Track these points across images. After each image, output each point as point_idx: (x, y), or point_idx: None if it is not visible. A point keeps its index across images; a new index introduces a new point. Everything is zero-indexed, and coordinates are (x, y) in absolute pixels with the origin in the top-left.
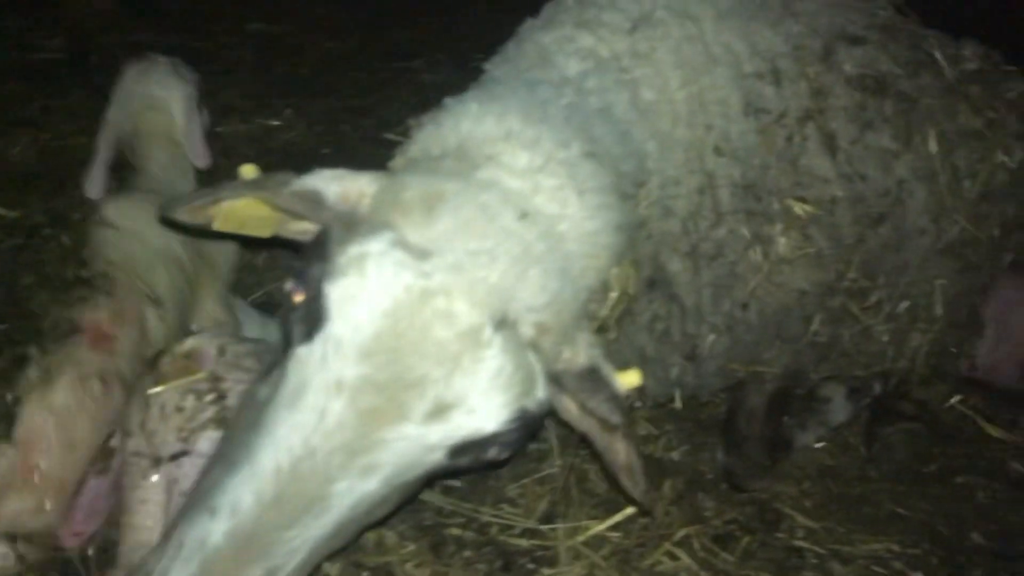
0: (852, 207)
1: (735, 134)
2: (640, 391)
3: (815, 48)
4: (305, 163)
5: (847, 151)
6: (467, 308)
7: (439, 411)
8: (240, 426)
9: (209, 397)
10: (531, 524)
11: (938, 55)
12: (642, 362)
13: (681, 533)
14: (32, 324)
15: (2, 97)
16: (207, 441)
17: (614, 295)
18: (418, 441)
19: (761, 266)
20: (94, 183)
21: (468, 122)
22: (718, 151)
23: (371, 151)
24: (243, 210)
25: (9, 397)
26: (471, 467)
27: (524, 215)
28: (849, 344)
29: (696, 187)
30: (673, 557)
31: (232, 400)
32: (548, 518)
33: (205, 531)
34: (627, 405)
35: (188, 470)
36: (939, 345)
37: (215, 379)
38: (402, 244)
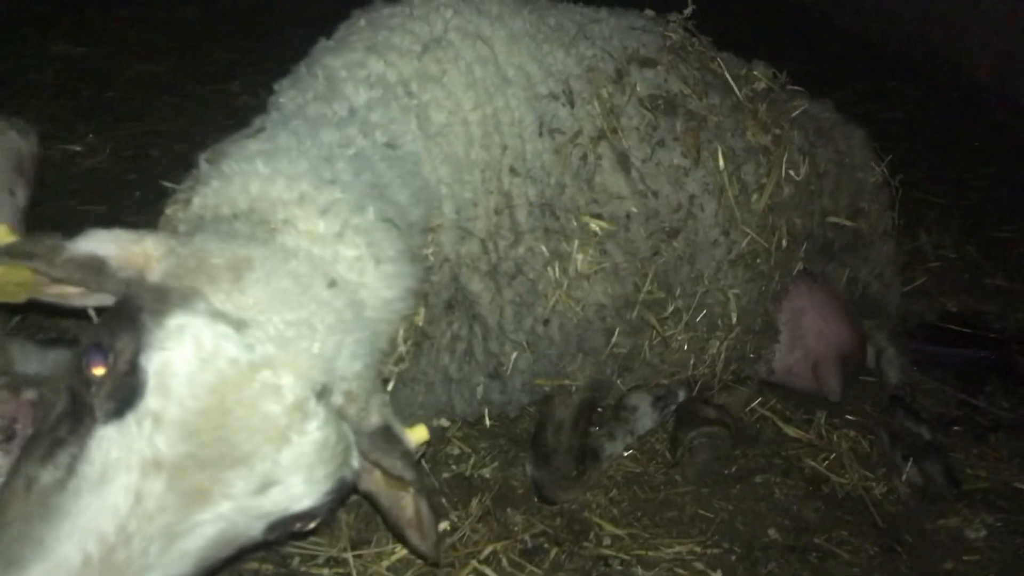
0: (646, 222)
1: (530, 154)
2: (449, 411)
3: (608, 70)
4: (110, 190)
5: (640, 169)
6: (293, 381)
7: (263, 487)
8: (15, 514)
9: None
10: (334, 552)
11: (727, 76)
12: (446, 383)
13: (488, 549)
14: None
15: None
16: None
17: (401, 350)
18: (238, 520)
19: (560, 282)
20: None
21: (258, 183)
22: (514, 171)
23: (181, 177)
24: (4, 277)
25: None
26: (276, 540)
27: (332, 283)
28: (651, 354)
29: (494, 207)
30: (480, 575)
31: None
32: (352, 545)
33: None
34: (416, 460)
35: None
36: (737, 351)
37: (11, 420)
38: (220, 315)
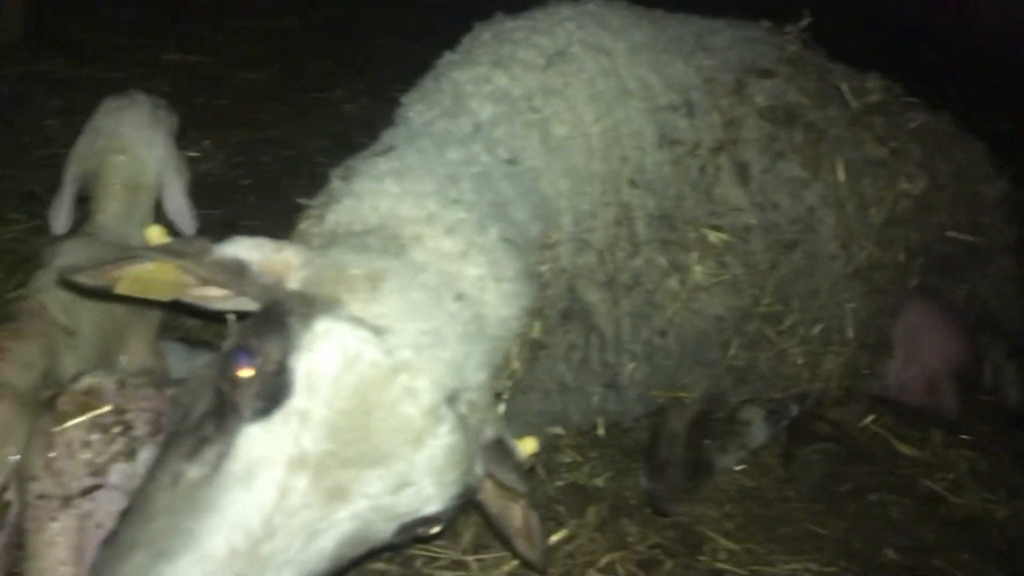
0: (765, 234)
1: (650, 165)
2: (564, 420)
3: (727, 81)
4: (225, 194)
5: (759, 180)
6: (428, 385)
7: (398, 488)
8: (161, 507)
9: (116, 429)
10: (456, 555)
11: (844, 87)
12: (563, 391)
13: (606, 559)
14: None
15: None
16: (117, 474)
17: (515, 365)
18: (373, 519)
19: (678, 294)
20: (58, 218)
21: (387, 201)
22: (633, 183)
23: (291, 183)
24: (150, 274)
25: None
26: (401, 543)
27: (459, 296)
28: (766, 367)
29: (612, 219)
30: None
31: (140, 431)
32: (474, 549)
33: None
34: (527, 471)
35: (102, 502)
36: (851, 366)
37: (119, 411)
38: (360, 321)
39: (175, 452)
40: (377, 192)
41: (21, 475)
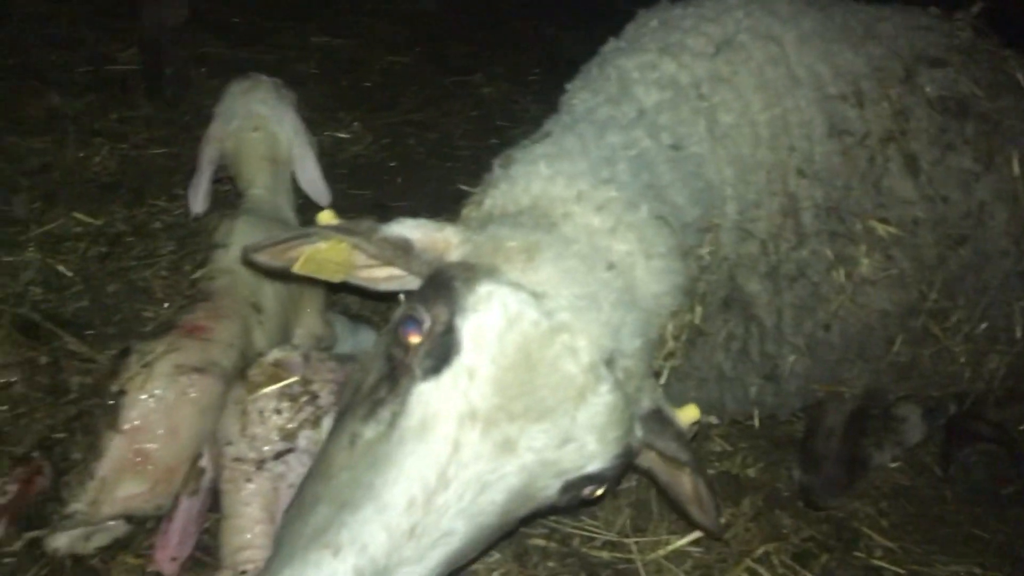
0: (934, 228)
1: (818, 156)
2: (719, 409)
3: (897, 70)
4: (374, 175)
5: (929, 172)
6: (587, 344)
7: (562, 443)
8: (341, 465)
9: (304, 399)
10: (612, 536)
11: (1019, 76)
12: (720, 380)
13: (761, 550)
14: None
15: (81, 108)
16: (305, 439)
17: (670, 345)
18: (539, 473)
19: (844, 287)
20: (197, 198)
21: (539, 183)
22: (801, 173)
23: (435, 164)
24: (324, 254)
25: (115, 388)
26: (568, 505)
27: (611, 266)
28: (928, 364)
29: (777, 209)
30: (754, 574)
31: (324, 400)
32: (628, 531)
33: (331, 570)
34: (691, 440)
35: (293, 465)
36: (1016, 367)
37: (306, 382)
38: (519, 286)
39: (351, 416)
40: (530, 175)
41: (216, 441)
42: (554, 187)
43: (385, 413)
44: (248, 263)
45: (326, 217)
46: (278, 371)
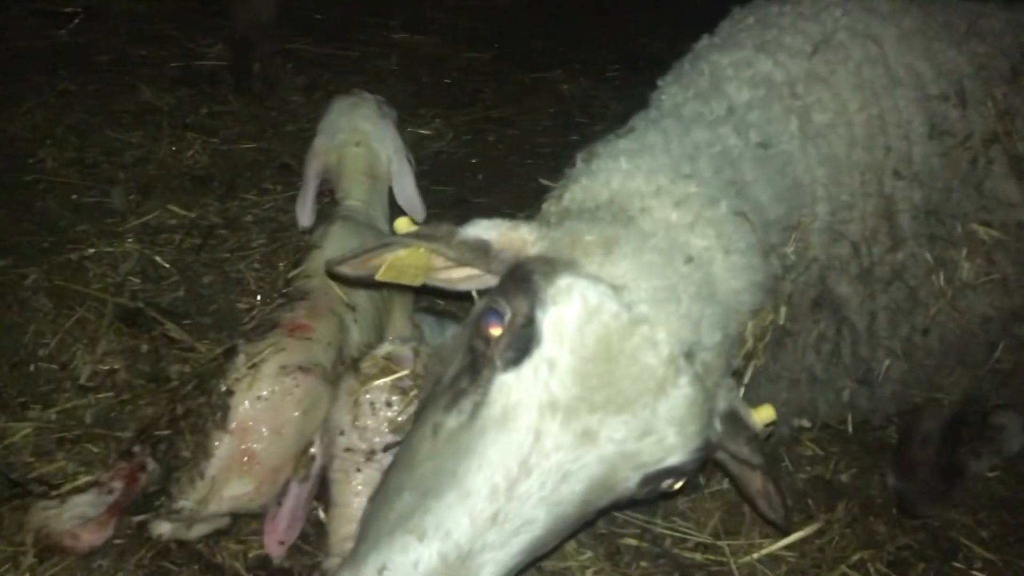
0: None
1: (917, 157)
2: (811, 412)
3: (1002, 68)
4: (456, 172)
5: None
6: (666, 336)
7: (642, 435)
8: (425, 454)
9: (413, 392)
10: (704, 538)
11: None
12: (812, 383)
13: (856, 556)
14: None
15: (173, 103)
16: None
17: (749, 345)
18: (619, 465)
19: (944, 291)
20: (304, 212)
21: (618, 177)
22: (898, 174)
23: (516, 161)
24: (404, 260)
25: (223, 388)
26: (646, 498)
27: (690, 259)
28: None
29: (872, 211)
30: None
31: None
32: (718, 534)
33: (416, 555)
34: (763, 441)
35: None
36: None
37: (416, 376)
38: (598, 279)
39: (433, 407)
40: (611, 170)
41: (327, 432)
42: (633, 181)
43: (467, 403)
44: (332, 276)
45: (403, 224)
46: (390, 364)
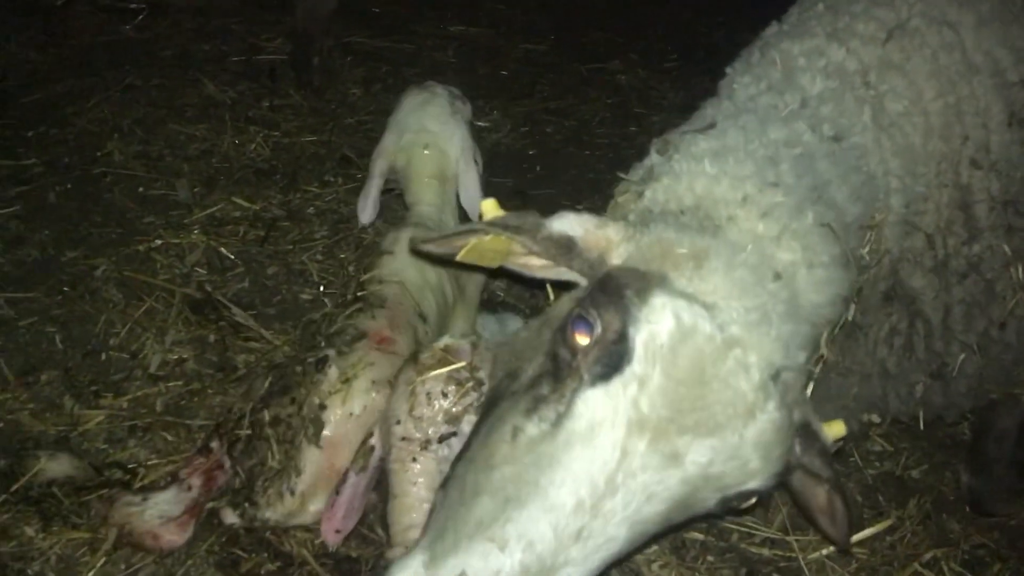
0: None
1: (995, 146)
2: (882, 408)
3: None
4: (514, 163)
5: None
6: (758, 361)
7: (727, 460)
8: (503, 457)
9: (469, 384)
10: (772, 533)
11: None
12: (884, 377)
13: (929, 555)
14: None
15: (235, 97)
16: (468, 424)
17: (822, 351)
18: (701, 487)
19: (1022, 284)
20: (365, 209)
21: (704, 182)
22: (975, 164)
23: (573, 152)
24: (487, 245)
25: (316, 401)
26: (719, 513)
27: (778, 276)
28: None
29: (947, 202)
30: None
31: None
32: (786, 529)
33: (497, 564)
34: (832, 455)
35: (457, 448)
36: None
37: (473, 369)
38: (692, 297)
39: (512, 409)
40: (695, 172)
41: (385, 422)
42: (719, 187)
43: (549, 412)
44: (416, 252)
45: (489, 206)
46: (447, 356)
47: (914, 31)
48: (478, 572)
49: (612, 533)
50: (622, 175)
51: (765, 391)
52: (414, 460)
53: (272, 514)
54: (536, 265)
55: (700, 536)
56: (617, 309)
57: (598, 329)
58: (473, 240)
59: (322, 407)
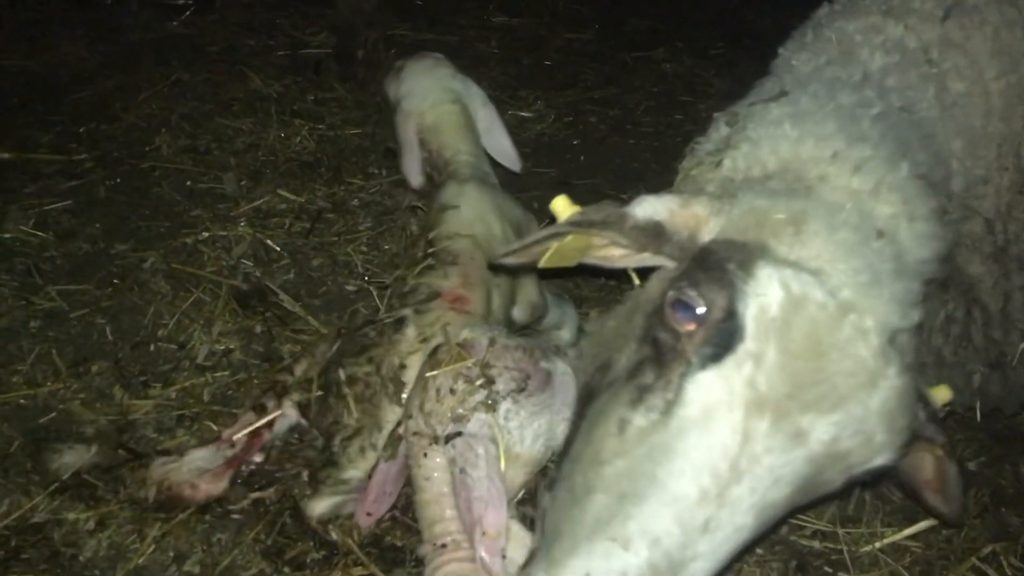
0: None
1: None
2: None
3: None
4: (557, 153)
5: None
6: (875, 324)
7: (853, 435)
8: (613, 451)
9: (479, 382)
10: (823, 526)
11: None
12: (940, 367)
13: (988, 549)
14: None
15: (280, 91)
16: (478, 422)
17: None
18: (826, 466)
19: None
20: (414, 172)
21: (787, 145)
22: None
23: (618, 141)
24: (569, 246)
25: (396, 361)
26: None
27: (880, 234)
28: None
29: (1008, 185)
30: (980, 573)
31: (501, 386)
32: (838, 521)
33: (622, 563)
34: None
35: (461, 449)
36: None
37: (485, 366)
38: (797, 264)
39: (614, 400)
40: (776, 136)
41: (404, 414)
42: (805, 148)
43: (656, 400)
44: (496, 268)
45: (562, 205)
46: (462, 352)
47: (973, 8)
48: (603, 574)
49: (740, 522)
50: (696, 142)
51: (885, 356)
52: (426, 455)
53: (355, 471)
54: (617, 255)
55: None
56: (721, 285)
57: (702, 309)
58: (555, 244)
59: (402, 367)
